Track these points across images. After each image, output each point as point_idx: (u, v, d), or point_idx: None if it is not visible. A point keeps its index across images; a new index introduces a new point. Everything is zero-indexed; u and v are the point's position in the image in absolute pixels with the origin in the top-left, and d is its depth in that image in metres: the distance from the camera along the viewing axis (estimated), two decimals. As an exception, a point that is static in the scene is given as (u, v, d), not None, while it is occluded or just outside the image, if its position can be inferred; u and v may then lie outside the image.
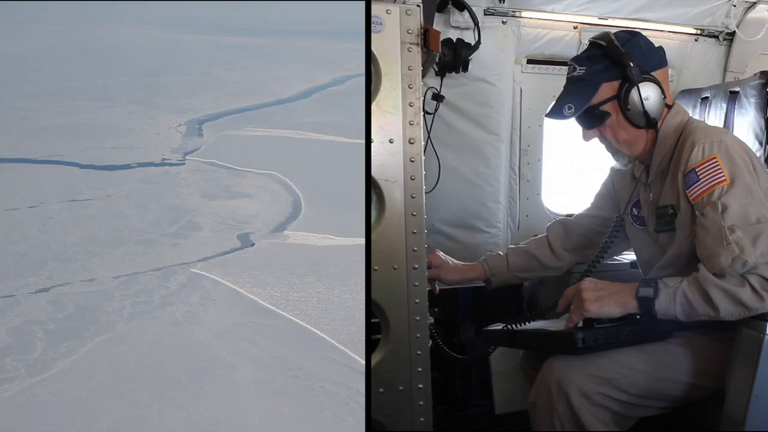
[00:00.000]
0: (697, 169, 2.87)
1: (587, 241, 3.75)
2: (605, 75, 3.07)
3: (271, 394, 6.09)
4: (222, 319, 7.33)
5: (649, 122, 3.08)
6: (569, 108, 3.06)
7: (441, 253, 3.77)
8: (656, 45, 3.19)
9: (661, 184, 3.14)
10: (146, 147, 13.85)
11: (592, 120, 3.12)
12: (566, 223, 3.82)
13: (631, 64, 3.02)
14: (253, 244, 9.37)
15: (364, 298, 7.73)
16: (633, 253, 3.87)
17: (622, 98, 3.05)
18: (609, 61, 3.06)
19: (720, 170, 2.82)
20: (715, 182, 2.82)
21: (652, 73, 3.07)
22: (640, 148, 3.16)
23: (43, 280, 8.03)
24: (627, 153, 3.18)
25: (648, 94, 3.03)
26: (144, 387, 6.09)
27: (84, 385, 6.08)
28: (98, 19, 35.66)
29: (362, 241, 9.28)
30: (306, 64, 24.70)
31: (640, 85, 3.03)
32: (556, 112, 3.10)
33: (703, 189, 2.84)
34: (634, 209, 3.36)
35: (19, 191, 10.90)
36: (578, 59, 3.16)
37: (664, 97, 3.10)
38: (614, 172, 3.61)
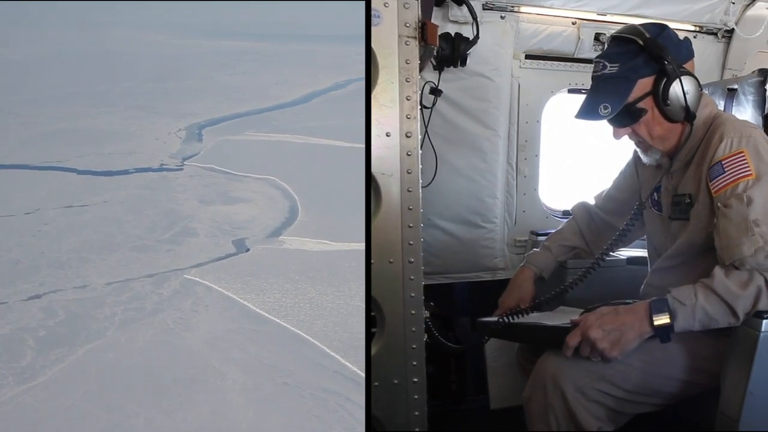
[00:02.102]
0: (723, 162, 2.86)
1: (606, 225, 3.70)
2: (642, 71, 2.99)
3: (260, 401, 5.98)
4: (213, 325, 7.22)
5: (688, 116, 3.02)
6: (605, 108, 2.97)
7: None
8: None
9: (683, 174, 3.12)
10: (145, 152, 13.73)
11: (628, 118, 3.05)
12: (587, 206, 3.79)
13: (669, 58, 2.96)
14: (248, 250, 9.26)
15: (357, 303, 7.65)
16: (630, 249, 3.81)
17: (660, 93, 2.98)
18: (646, 55, 2.98)
19: (746, 165, 2.81)
20: (740, 175, 2.80)
21: (684, 66, 3.02)
22: (673, 142, 3.11)
23: (36, 287, 7.92)
24: (660, 148, 3.13)
25: (688, 87, 2.98)
26: (132, 394, 5.98)
27: (72, 393, 5.97)
28: (101, 24, 35.68)
29: (358, 246, 9.19)
30: (308, 68, 24.56)
31: (681, 78, 2.96)
32: (589, 113, 3.00)
33: (728, 181, 2.82)
34: (655, 194, 3.33)
35: (16, 198, 10.80)
36: (608, 56, 3.06)
37: (700, 89, 3.06)
38: (639, 156, 3.52)
